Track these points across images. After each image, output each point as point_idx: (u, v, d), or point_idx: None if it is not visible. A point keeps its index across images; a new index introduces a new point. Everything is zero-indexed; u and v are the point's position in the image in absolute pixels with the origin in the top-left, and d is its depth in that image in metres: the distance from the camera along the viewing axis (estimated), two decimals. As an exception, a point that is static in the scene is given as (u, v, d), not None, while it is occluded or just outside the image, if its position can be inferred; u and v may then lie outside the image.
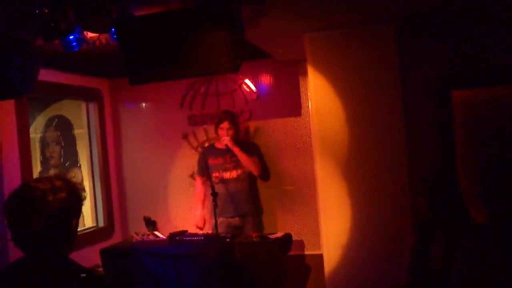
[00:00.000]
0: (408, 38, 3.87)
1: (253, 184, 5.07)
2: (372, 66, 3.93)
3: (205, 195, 5.15)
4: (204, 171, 5.01)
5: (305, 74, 4.45)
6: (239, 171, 4.95)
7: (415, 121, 3.85)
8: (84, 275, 1.78)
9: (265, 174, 5.16)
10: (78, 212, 1.90)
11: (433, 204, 2.83)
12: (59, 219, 1.79)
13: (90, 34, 3.41)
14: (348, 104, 3.99)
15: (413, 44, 3.87)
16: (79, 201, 1.90)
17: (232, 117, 4.97)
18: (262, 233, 4.69)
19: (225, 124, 4.89)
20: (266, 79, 5.51)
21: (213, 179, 4.94)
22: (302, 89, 5.32)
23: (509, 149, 3.67)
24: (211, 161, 5.00)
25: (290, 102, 5.40)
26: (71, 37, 3.22)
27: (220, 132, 4.93)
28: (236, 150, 4.85)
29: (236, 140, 4.93)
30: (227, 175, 4.95)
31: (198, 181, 5.24)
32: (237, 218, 4.90)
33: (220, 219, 4.73)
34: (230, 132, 4.88)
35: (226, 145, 4.85)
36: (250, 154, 4.92)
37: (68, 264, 1.86)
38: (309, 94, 4.25)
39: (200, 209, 5.15)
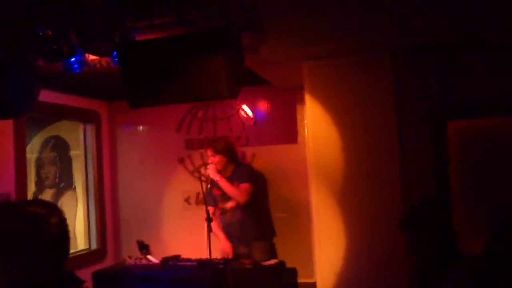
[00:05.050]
0: (404, 68, 3.91)
1: (256, 209, 4.87)
2: (368, 95, 3.97)
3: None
4: (211, 201, 4.90)
5: (302, 101, 4.48)
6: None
7: (410, 150, 3.88)
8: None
9: (250, 200, 4.77)
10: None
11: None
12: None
13: (91, 57, 3.46)
14: (344, 132, 4.01)
15: (409, 74, 3.91)
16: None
17: (216, 145, 4.84)
18: (275, 257, 4.60)
19: (208, 152, 4.86)
20: (263, 105, 5.55)
21: (219, 209, 4.89)
22: (298, 116, 5.37)
23: (504, 179, 3.69)
24: (214, 192, 4.89)
25: (287, 129, 5.43)
26: (72, 59, 3.26)
27: (208, 160, 4.89)
28: (218, 181, 4.71)
29: (234, 165, 4.83)
30: (227, 205, 4.84)
31: (210, 212, 4.94)
32: (241, 247, 4.79)
33: None
34: (215, 160, 4.74)
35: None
36: (236, 182, 4.72)
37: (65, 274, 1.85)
38: (305, 121, 4.28)
39: (222, 236, 4.88)
